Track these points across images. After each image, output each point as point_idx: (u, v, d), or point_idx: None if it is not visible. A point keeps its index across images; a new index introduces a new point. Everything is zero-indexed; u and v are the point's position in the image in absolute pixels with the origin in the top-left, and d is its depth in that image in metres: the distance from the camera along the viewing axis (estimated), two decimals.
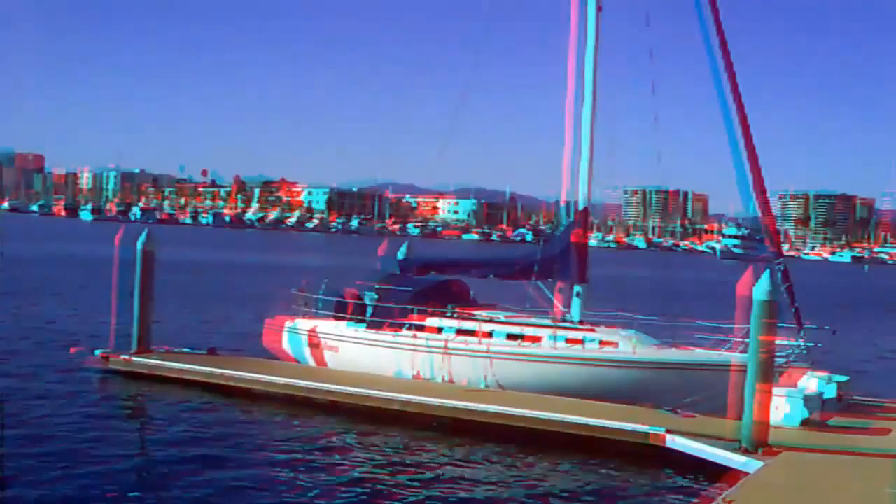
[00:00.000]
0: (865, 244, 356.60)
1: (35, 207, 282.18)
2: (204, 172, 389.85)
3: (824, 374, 23.97)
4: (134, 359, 27.32)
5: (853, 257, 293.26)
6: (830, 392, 23.61)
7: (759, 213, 25.59)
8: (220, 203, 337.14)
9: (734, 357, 22.88)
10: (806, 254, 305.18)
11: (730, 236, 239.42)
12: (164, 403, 24.38)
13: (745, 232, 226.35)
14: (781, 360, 22.47)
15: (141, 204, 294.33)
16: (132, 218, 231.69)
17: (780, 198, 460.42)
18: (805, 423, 21.85)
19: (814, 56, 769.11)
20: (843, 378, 24.42)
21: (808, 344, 23.64)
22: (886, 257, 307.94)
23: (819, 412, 22.58)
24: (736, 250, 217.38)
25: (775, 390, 20.82)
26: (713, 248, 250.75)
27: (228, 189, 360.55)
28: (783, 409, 21.74)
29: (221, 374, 26.11)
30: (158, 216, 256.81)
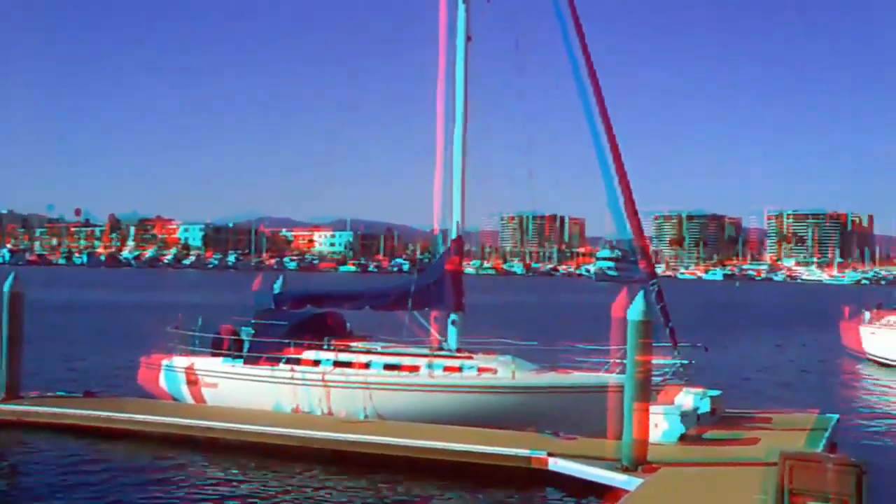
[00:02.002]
0: (736, 262, 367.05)
1: None
2: (77, 212, 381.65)
3: (699, 390, 24.45)
4: (2, 406, 26.39)
5: (725, 275, 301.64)
6: (705, 407, 24.10)
7: (633, 235, 25.99)
8: (95, 242, 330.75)
9: (612, 378, 23.15)
10: (681, 273, 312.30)
11: (603, 258, 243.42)
12: (37, 451, 23.47)
13: (619, 254, 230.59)
14: (658, 379, 22.84)
15: (9, 246, 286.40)
16: (0, 261, 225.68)
17: (655, 219, 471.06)
18: (682, 438, 22.27)
19: (679, 78, 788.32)
20: (717, 393, 24.97)
21: (683, 361, 24.07)
22: (754, 273, 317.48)
23: (695, 427, 23.03)
24: (610, 272, 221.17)
25: (653, 408, 21.09)
26: (589, 271, 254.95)
27: (102, 227, 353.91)
28: (661, 426, 22.10)
29: (98, 416, 25.40)
30: (28, 257, 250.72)
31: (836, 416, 25.71)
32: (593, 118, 25.40)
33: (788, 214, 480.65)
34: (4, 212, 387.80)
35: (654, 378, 21.41)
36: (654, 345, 20.69)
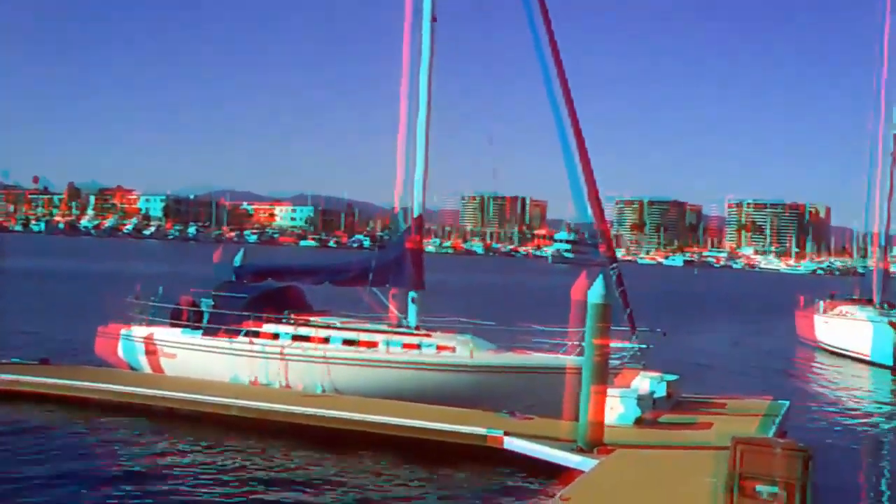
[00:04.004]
0: (695, 248, 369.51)
1: None
2: (35, 179, 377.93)
3: (656, 375, 24.66)
4: None
5: (685, 261, 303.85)
6: (661, 391, 24.32)
7: (594, 219, 26.14)
8: (53, 210, 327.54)
9: (570, 360, 23.35)
10: (642, 258, 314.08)
11: (560, 241, 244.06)
12: None
13: (575, 237, 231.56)
14: (616, 362, 23.06)
15: None
16: None
17: (616, 203, 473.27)
18: (638, 421, 22.43)
19: (644, 64, 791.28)
20: (674, 377, 25.19)
21: (641, 346, 24.29)
22: (713, 260, 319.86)
23: (651, 411, 23.26)
24: (567, 255, 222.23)
25: (610, 391, 21.23)
26: (547, 253, 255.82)
27: (61, 196, 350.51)
28: (617, 409, 22.25)
29: (54, 384, 25.29)
30: None
31: (788, 402, 26.05)
32: (557, 102, 25.52)
33: (748, 203, 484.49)
34: None
35: (611, 361, 21.62)
36: (612, 328, 20.84)
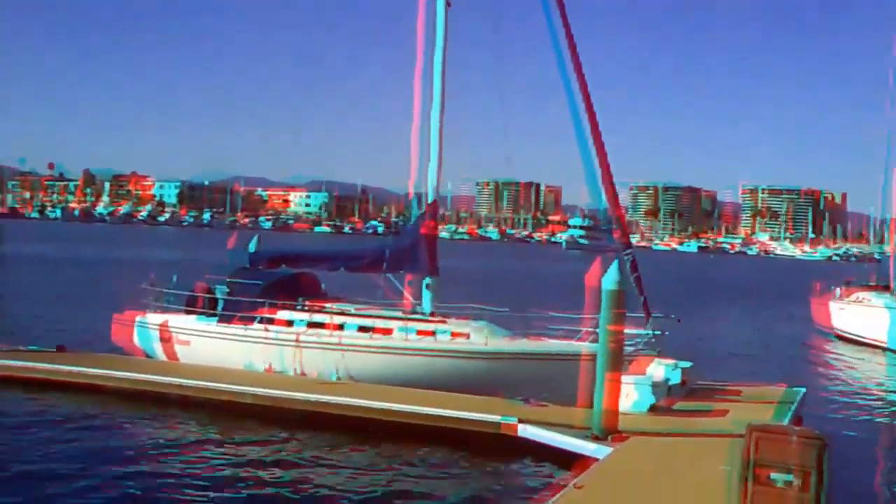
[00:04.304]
0: (710, 234, 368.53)
1: None
2: (51, 166, 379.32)
3: (670, 362, 24.64)
4: None
5: (699, 247, 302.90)
6: (676, 378, 24.31)
7: (608, 205, 26.07)
8: (68, 197, 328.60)
9: (585, 346, 23.29)
10: (656, 244, 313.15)
11: (575, 227, 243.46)
12: (9, 404, 23.44)
13: (590, 223, 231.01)
14: (630, 349, 23.01)
15: None
16: None
17: (631, 189, 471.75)
18: (653, 408, 22.42)
19: (658, 50, 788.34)
20: (688, 364, 25.17)
21: (656, 332, 24.22)
22: (728, 247, 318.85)
23: (665, 398, 23.23)
24: (581, 241, 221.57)
25: (624, 378, 21.20)
26: (561, 239, 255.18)
27: (76, 182, 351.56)
28: (632, 396, 22.24)
29: (70, 371, 25.37)
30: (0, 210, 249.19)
31: (804, 389, 26.00)
32: (571, 87, 25.44)
33: (763, 189, 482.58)
34: None
35: (626, 348, 21.57)
36: (627, 315, 20.81)
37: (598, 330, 20.74)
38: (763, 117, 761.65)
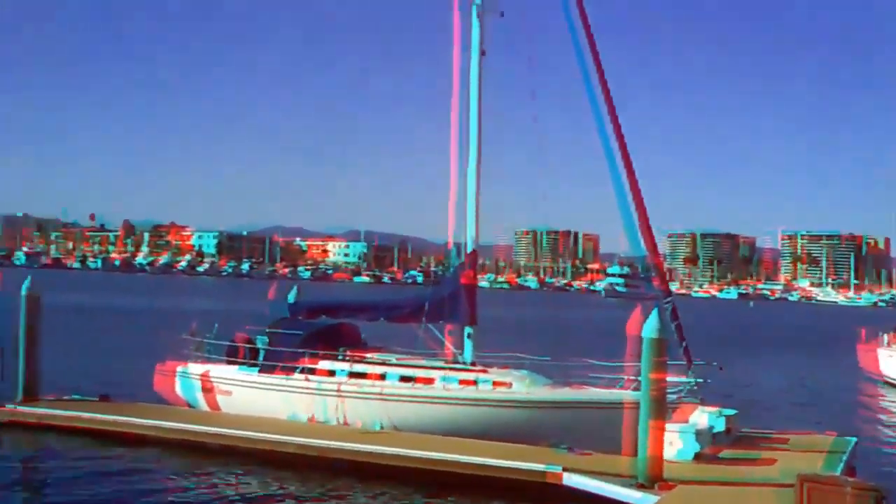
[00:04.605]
0: (750, 281, 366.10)
1: None
2: (91, 217, 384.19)
3: (714, 409, 24.33)
4: (20, 408, 26.54)
5: (739, 294, 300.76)
6: (720, 426, 23.98)
7: (647, 253, 25.94)
8: (109, 247, 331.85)
9: (627, 395, 23.10)
10: (695, 291, 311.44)
11: (613, 275, 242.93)
12: (55, 453, 23.68)
13: (628, 270, 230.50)
14: (673, 397, 22.76)
15: (25, 249, 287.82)
16: (16, 263, 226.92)
17: (669, 237, 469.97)
18: (697, 457, 22.16)
19: (695, 95, 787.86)
20: (732, 412, 24.84)
21: (698, 380, 23.96)
22: (768, 293, 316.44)
23: (711, 446, 22.95)
24: (619, 289, 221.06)
25: (668, 426, 21.04)
26: (599, 287, 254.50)
27: (117, 233, 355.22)
28: (676, 444, 22.01)
29: (114, 421, 25.52)
30: (44, 261, 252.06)
31: (855, 439, 25.52)
32: (606, 134, 25.35)
33: (803, 235, 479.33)
34: (20, 215, 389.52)
35: (669, 396, 21.34)
36: (668, 362, 20.64)
37: (639, 378, 20.57)
38: (801, 162, 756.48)
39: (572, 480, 20.33)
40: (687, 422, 23.18)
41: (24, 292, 27.72)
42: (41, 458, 23.74)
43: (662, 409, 20.07)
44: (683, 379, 23.70)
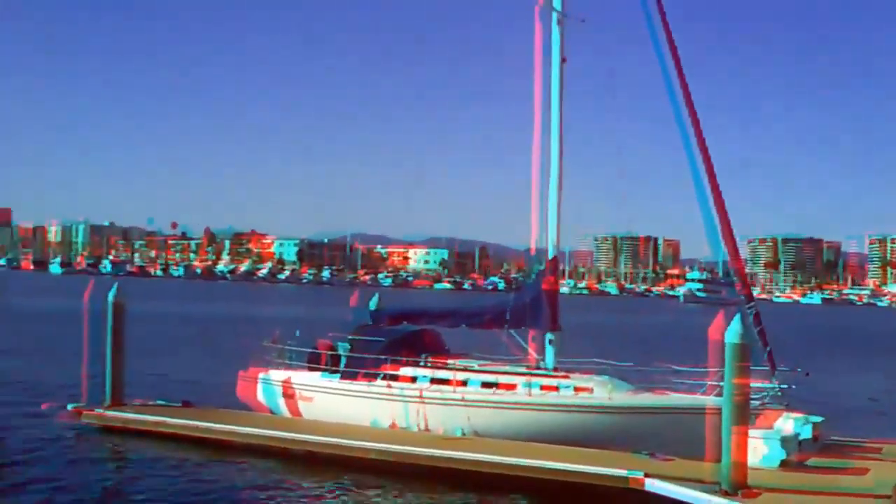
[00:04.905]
0: (834, 286, 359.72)
1: (3, 262, 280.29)
2: (174, 225, 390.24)
3: (800, 416, 23.95)
4: (107, 412, 27.11)
5: (823, 299, 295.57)
6: (806, 433, 23.59)
7: (729, 257, 25.67)
8: (191, 255, 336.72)
9: (709, 400, 22.85)
10: (777, 296, 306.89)
11: (693, 280, 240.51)
12: (139, 457, 24.17)
13: (708, 276, 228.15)
14: (756, 403, 22.49)
15: (111, 257, 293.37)
16: (103, 271, 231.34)
17: (749, 242, 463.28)
18: (783, 464, 21.83)
19: (776, 99, 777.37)
20: (819, 419, 24.42)
21: (783, 385, 23.65)
22: (855, 298, 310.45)
23: (797, 453, 22.60)
24: (698, 294, 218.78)
25: (752, 432, 20.77)
26: (678, 293, 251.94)
27: (199, 241, 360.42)
28: (761, 450, 21.72)
29: (196, 427, 25.91)
30: (129, 269, 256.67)
31: None
32: (689, 139, 25.17)
33: (893, 239, 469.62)
34: (107, 224, 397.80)
35: (752, 402, 21.09)
36: (752, 368, 20.38)
37: (722, 383, 20.35)
38: (888, 165, 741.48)
39: (654, 486, 20.17)
40: (772, 428, 22.88)
41: (110, 300, 28.28)
42: (126, 460, 24.30)
43: (745, 414, 19.82)
44: (767, 384, 23.42)
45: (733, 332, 19.63)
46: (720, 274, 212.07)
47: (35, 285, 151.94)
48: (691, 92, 25.14)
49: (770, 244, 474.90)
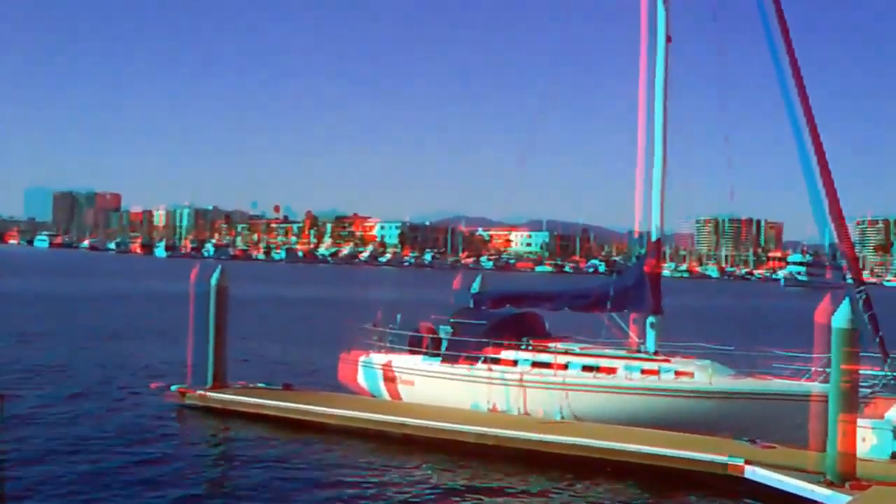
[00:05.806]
0: None
1: (112, 245, 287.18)
2: (276, 208, 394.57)
3: None
4: (210, 394, 27.57)
5: None
6: None
7: (836, 240, 25.04)
8: (293, 238, 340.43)
9: (814, 387, 22.42)
10: (888, 280, 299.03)
11: (794, 263, 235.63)
12: (240, 438, 24.49)
13: (810, 259, 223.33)
14: (866, 391, 21.87)
15: (214, 240, 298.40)
16: (206, 254, 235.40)
17: (858, 224, 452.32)
18: (895, 455, 21.14)
19: (888, 75, 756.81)
20: None
21: (895, 373, 22.99)
22: None
23: None
24: (800, 277, 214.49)
25: (861, 421, 20.14)
26: (779, 276, 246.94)
27: (301, 224, 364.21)
28: (870, 440, 21.05)
29: (296, 409, 26.20)
30: (232, 252, 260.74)
31: None
32: (797, 119, 24.52)
33: None
34: (210, 208, 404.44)
35: (861, 390, 20.57)
36: (861, 354, 19.89)
37: (828, 369, 19.91)
38: None
39: (755, 474, 19.87)
40: (882, 418, 22.23)
41: (213, 283, 28.72)
42: (227, 441, 24.62)
43: (853, 402, 19.30)
44: (878, 372, 22.74)
45: (842, 317, 19.14)
46: (826, 256, 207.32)
47: (142, 268, 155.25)
48: (799, 63, 24.52)
49: (881, 226, 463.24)
